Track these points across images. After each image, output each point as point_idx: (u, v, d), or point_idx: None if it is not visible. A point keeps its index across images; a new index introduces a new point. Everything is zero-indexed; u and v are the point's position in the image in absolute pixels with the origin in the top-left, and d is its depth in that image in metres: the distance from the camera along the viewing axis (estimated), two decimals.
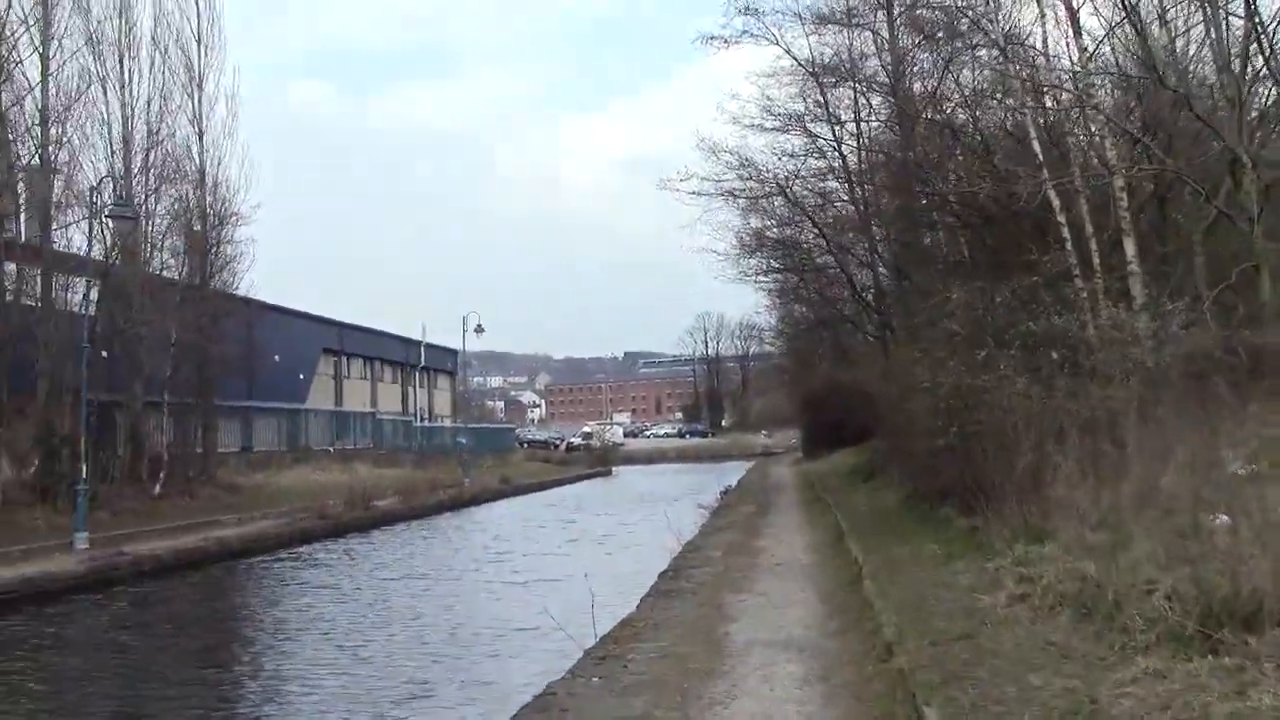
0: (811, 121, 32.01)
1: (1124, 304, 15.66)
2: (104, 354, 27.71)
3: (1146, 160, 16.96)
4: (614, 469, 72.18)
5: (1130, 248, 16.48)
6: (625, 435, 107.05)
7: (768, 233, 36.53)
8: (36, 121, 26.76)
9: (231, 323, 34.03)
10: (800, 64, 30.67)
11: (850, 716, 7.82)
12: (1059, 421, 12.74)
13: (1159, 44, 17.26)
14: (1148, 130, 17.26)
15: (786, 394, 74.27)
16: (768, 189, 33.36)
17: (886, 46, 28.40)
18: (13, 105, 26.19)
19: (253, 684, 12.74)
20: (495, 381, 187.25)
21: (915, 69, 27.35)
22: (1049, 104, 18.42)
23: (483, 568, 22.93)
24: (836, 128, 31.79)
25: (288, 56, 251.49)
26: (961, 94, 22.62)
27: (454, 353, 71.24)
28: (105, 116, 29.65)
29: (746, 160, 32.83)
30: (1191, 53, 18.73)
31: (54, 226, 27.32)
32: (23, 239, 27.78)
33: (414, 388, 70.53)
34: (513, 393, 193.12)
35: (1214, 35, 17.16)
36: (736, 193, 33.67)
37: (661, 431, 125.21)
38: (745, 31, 30.00)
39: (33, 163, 27.22)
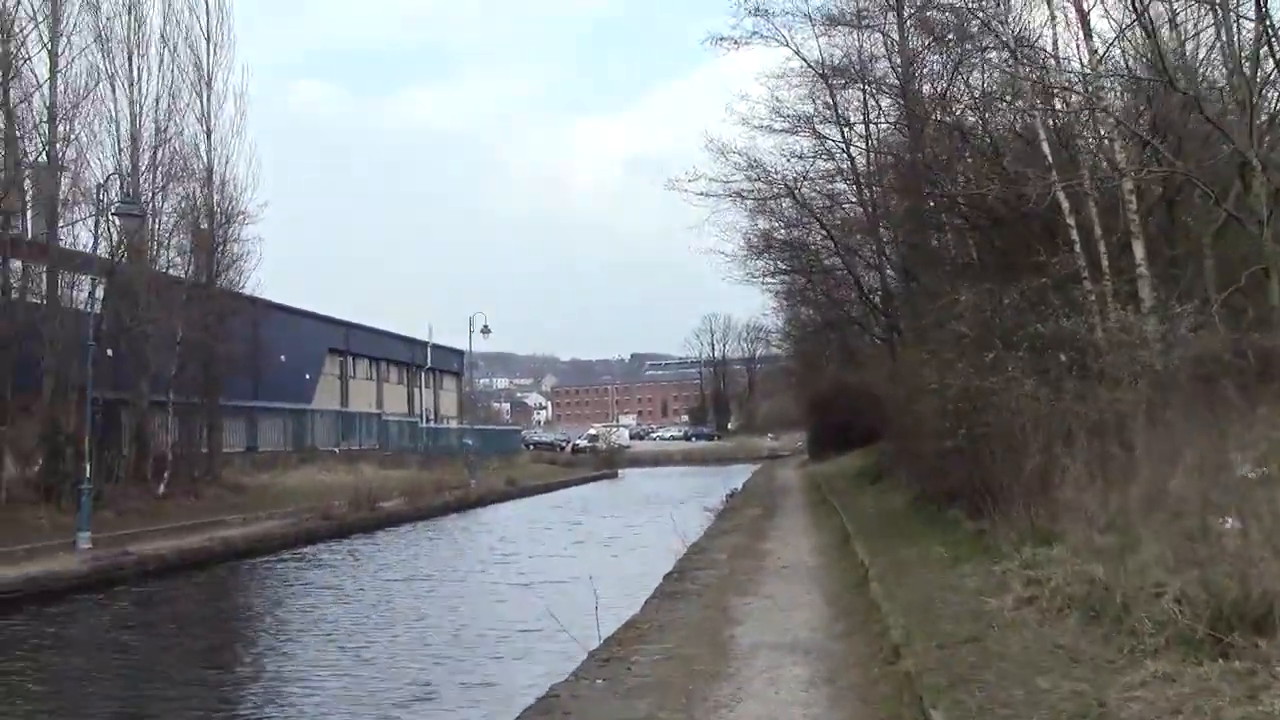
0: (820, 123, 32.06)
1: (1132, 307, 15.58)
2: (109, 352, 27.68)
3: (1156, 163, 16.88)
4: (620, 471, 72.21)
5: (1139, 250, 16.40)
6: (631, 437, 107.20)
7: (775, 234, 36.54)
8: (44, 118, 26.72)
9: (237, 322, 34.01)
10: (810, 65, 30.69)
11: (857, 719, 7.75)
12: (1067, 424, 12.69)
13: (1169, 47, 17.17)
14: (1157, 133, 17.16)
15: (793, 396, 74.27)
16: (776, 190, 33.42)
17: (896, 48, 28.36)
18: (21, 102, 26.18)
19: (255, 685, 12.67)
20: (501, 383, 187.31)
21: (925, 71, 27.33)
22: (1059, 106, 18.35)
23: (488, 569, 22.88)
24: (845, 129, 31.83)
25: (288, 56, 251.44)
26: (971, 96, 22.56)
27: (460, 354, 71.32)
28: (113, 114, 29.69)
29: (755, 161, 32.92)
30: (1201, 56, 18.65)
31: (61, 224, 27.27)
32: (29, 236, 27.79)
33: (420, 388, 70.58)
34: (519, 394, 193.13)
35: (1224, 38, 17.06)
36: (745, 194, 33.75)
37: (667, 434, 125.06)
38: (755, 33, 30.09)
39: (40, 160, 27.23)
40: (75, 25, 27.67)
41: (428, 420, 68.38)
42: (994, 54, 20.86)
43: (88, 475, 22.09)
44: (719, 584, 14.81)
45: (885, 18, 28.85)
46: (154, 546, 22.05)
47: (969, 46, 21.99)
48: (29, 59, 26.45)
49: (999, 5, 19.88)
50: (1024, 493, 12.07)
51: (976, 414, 14.44)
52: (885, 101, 30.34)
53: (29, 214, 28.20)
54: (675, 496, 41.89)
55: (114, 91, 29.62)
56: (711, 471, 69.12)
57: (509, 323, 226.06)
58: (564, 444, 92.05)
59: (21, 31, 26.06)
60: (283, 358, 43.95)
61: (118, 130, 29.77)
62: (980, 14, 20.32)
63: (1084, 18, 17.84)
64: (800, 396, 66.19)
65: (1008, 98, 20.36)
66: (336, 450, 48.28)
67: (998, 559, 11.15)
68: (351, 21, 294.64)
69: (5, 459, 24.74)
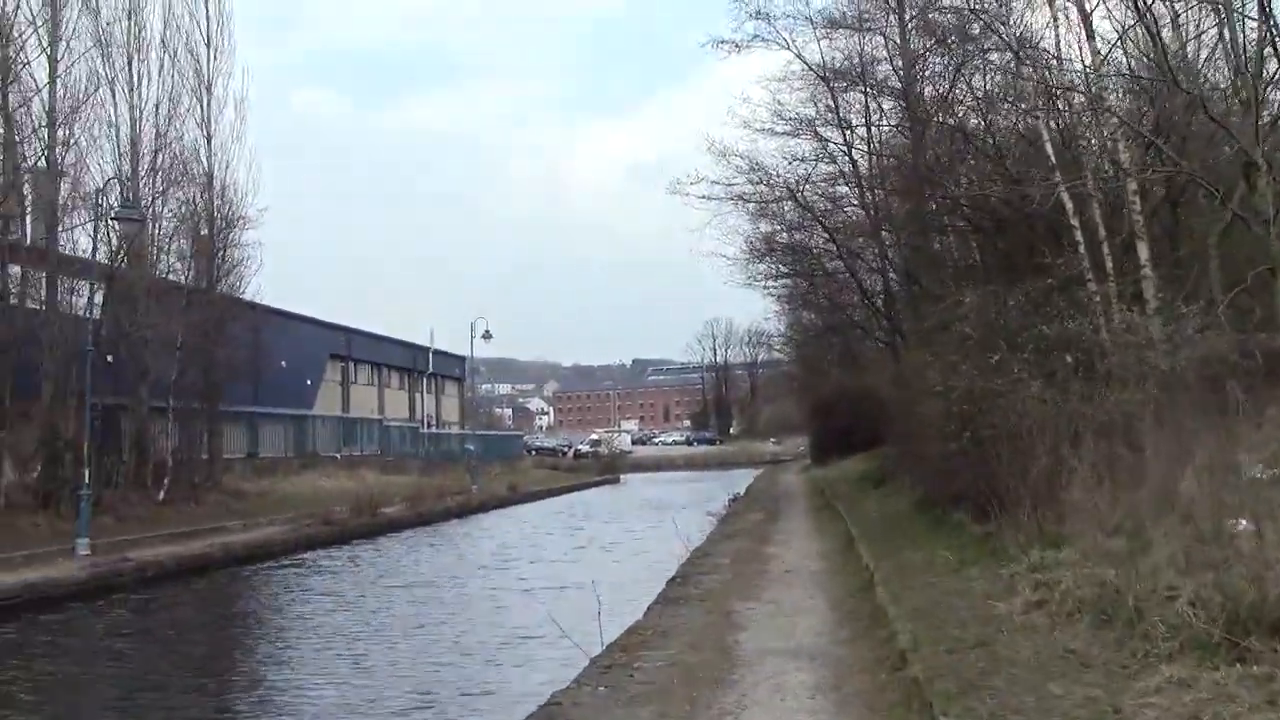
0: (822, 126, 31.99)
1: (1137, 308, 15.48)
2: (109, 358, 27.56)
3: (1160, 163, 16.79)
4: (622, 476, 72.12)
5: (1144, 251, 16.31)
6: (633, 443, 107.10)
7: (777, 238, 36.49)
8: (44, 123, 26.57)
9: (238, 327, 33.87)
10: (811, 68, 30.62)
11: None
12: (1074, 425, 12.58)
13: (1172, 47, 17.09)
14: (1161, 133, 17.06)
15: (795, 401, 74.31)
16: (778, 193, 33.36)
17: (898, 50, 28.29)
18: (20, 106, 26.04)
19: (252, 693, 12.55)
20: (503, 388, 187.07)
21: (927, 73, 27.27)
22: (1061, 107, 18.26)
23: (489, 575, 22.75)
24: (847, 132, 31.76)
25: (288, 57, 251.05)
26: (974, 98, 22.45)
27: (462, 359, 71.14)
28: (113, 119, 29.64)
29: (757, 164, 32.88)
30: (1204, 56, 18.59)
31: (60, 229, 27.15)
32: (28, 241, 27.66)
33: (421, 394, 70.48)
34: (521, 400, 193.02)
35: (1228, 38, 17.01)
36: (746, 197, 33.72)
37: (669, 439, 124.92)
38: (756, 36, 30.03)
39: (39, 164, 27.08)
40: (75, 30, 27.63)
41: (429, 426, 68.25)
42: (996, 55, 20.86)
43: (87, 481, 21.95)
44: (722, 589, 14.67)
45: (887, 20, 28.82)
46: (153, 553, 21.94)
47: (971, 48, 21.93)
48: (28, 63, 26.39)
49: (1001, 7, 19.86)
50: (1031, 495, 11.96)
51: (982, 416, 14.33)
52: (887, 104, 30.31)
53: (28, 219, 28.04)
54: (677, 501, 41.74)
55: (114, 96, 29.63)
56: (714, 476, 69.05)
57: (515, 330, 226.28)
58: (566, 449, 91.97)
59: (20, 36, 25.97)
60: (283, 363, 43.84)
61: (117, 135, 29.77)
62: (982, 16, 20.28)
63: (1086, 18, 17.78)
64: (802, 401, 66.17)
65: (1010, 99, 20.30)
66: (338, 456, 48.14)
67: (1005, 562, 11.03)
68: (351, 23, 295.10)
69: (4, 465, 24.61)
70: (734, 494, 40.20)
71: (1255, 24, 15.72)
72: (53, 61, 26.66)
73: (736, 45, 30.27)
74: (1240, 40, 16.63)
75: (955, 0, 22.40)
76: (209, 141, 33.00)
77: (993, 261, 21.35)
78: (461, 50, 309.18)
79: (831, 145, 32.30)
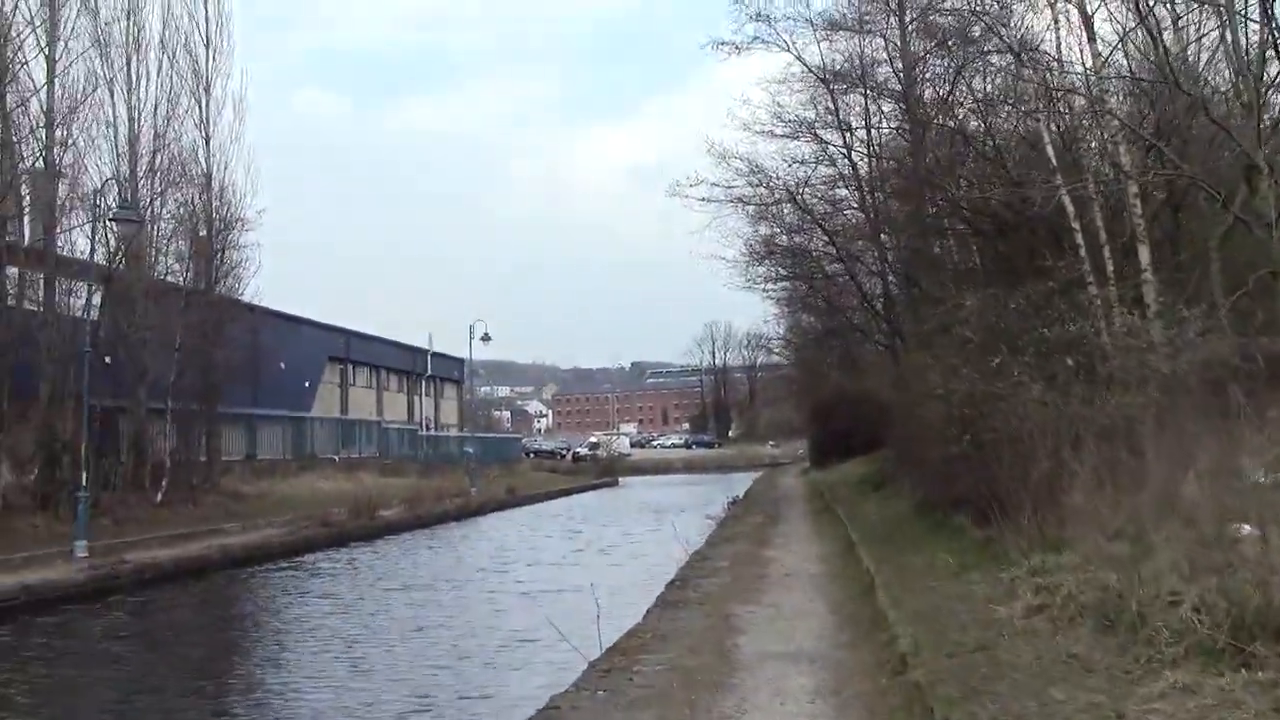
0: (822, 128, 32.01)
1: (1138, 311, 15.44)
2: (107, 359, 27.51)
3: (1161, 166, 16.75)
4: (620, 479, 72.08)
5: (1145, 255, 16.27)
6: (632, 446, 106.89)
7: (777, 240, 36.47)
8: (41, 123, 26.53)
9: (236, 329, 33.79)
10: (811, 70, 30.65)
11: None
12: (1075, 429, 12.52)
13: (1173, 50, 17.06)
14: (1162, 136, 17.03)
15: (794, 404, 74.29)
16: (777, 196, 33.38)
17: (898, 53, 28.29)
18: (17, 106, 25.98)
19: (249, 697, 12.47)
20: (502, 391, 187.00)
21: (927, 75, 27.30)
22: (1062, 110, 18.23)
23: (487, 578, 22.70)
24: (847, 134, 31.79)
25: (287, 57, 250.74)
26: (974, 100, 22.42)
27: (461, 362, 71.11)
28: (111, 119, 29.53)
29: (756, 167, 32.90)
30: (1205, 59, 18.55)
31: (58, 230, 27.08)
32: (26, 242, 27.58)
33: (420, 396, 70.44)
34: (519, 402, 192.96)
35: (1229, 40, 16.95)
36: (746, 199, 33.73)
37: (668, 442, 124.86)
38: (756, 38, 30.07)
39: (37, 165, 27.02)
40: (73, 30, 27.53)
41: (428, 428, 68.20)
42: (996, 58, 20.81)
43: (85, 483, 21.85)
44: (721, 592, 14.63)
45: (887, 22, 28.82)
46: (151, 555, 21.86)
47: (971, 50, 21.92)
48: (26, 63, 26.32)
49: (1001, 9, 19.82)
50: (1032, 499, 11.91)
51: (982, 419, 14.29)
52: (887, 106, 30.34)
53: (26, 220, 27.97)
54: (676, 504, 41.73)
55: (112, 97, 29.52)
56: (713, 479, 69.04)
57: (514, 332, 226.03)
58: (564, 452, 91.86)
59: (18, 36, 25.92)
60: (282, 365, 43.84)
61: (115, 136, 29.69)
62: (983, 18, 20.27)
63: (1087, 21, 17.74)
64: (802, 404, 66.17)
65: (1011, 102, 20.27)
66: (336, 458, 48.08)
67: (1006, 566, 10.99)
68: (351, 23, 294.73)
69: (2, 466, 24.55)
70: (733, 497, 40.14)
71: (1257, 26, 15.70)
72: (51, 62, 26.60)
73: (737, 47, 30.37)
74: (1242, 43, 16.57)
75: (956, 2, 22.42)
76: (207, 142, 32.99)
77: (993, 264, 21.33)
78: (461, 50, 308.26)
79: (831, 148, 32.38)
